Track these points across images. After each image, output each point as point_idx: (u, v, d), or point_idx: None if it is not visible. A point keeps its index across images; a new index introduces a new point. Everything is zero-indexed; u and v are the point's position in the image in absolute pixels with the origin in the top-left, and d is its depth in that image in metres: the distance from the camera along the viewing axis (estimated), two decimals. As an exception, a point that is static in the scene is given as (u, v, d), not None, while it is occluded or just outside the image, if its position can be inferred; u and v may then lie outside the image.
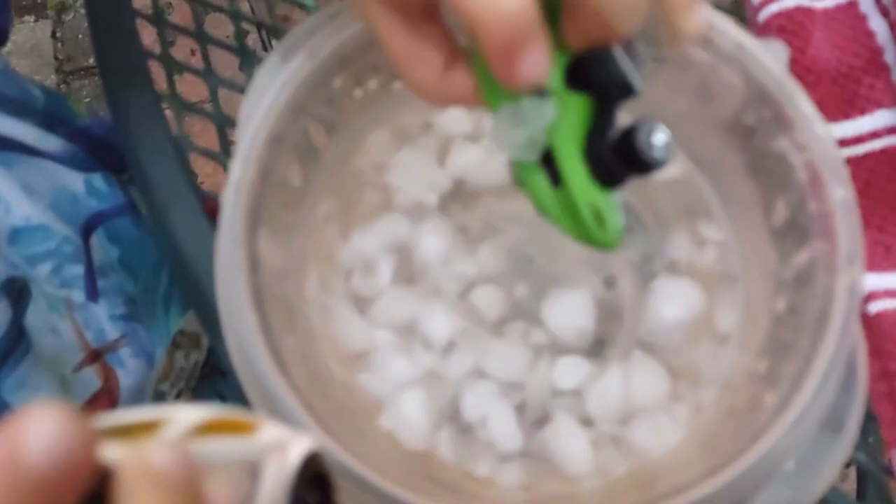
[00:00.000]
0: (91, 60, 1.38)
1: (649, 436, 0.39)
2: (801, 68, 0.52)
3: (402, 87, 0.43)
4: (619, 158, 0.30)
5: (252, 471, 0.21)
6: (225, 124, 0.54)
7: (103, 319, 0.64)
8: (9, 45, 0.68)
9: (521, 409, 0.40)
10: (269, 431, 0.21)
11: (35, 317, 0.61)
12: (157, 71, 0.54)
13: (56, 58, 1.43)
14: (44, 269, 0.61)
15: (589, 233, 0.32)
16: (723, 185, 0.44)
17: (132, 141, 0.51)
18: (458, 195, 0.44)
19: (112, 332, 0.64)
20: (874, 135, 0.52)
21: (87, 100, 1.43)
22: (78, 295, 0.63)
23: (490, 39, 0.27)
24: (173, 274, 0.69)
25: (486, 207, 0.44)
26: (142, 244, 0.68)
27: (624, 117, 0.31)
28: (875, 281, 0.48)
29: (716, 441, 0.37)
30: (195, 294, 0.48)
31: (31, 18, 1.40)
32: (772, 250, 0.40)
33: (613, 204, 0.32)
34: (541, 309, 0.42)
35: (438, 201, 0.44)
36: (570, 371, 0.40)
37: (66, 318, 0.62)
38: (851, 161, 0.51)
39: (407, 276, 0.43)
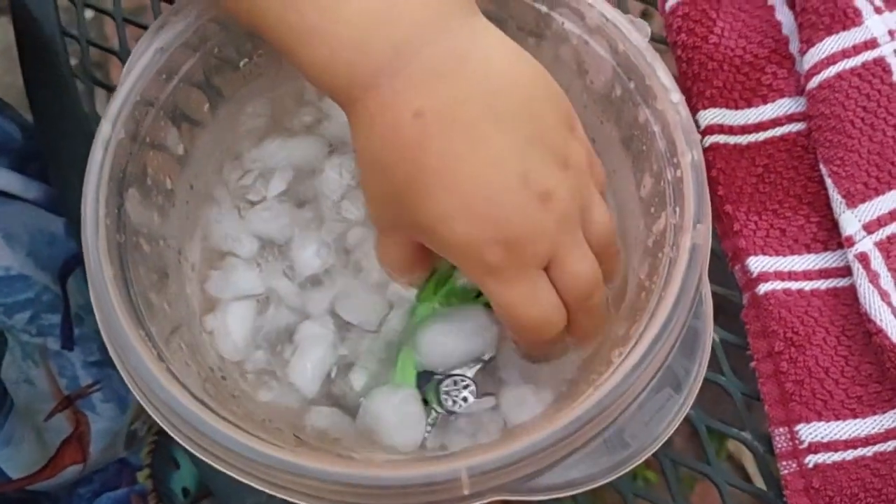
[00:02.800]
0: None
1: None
2: (703, 56, 0.53)
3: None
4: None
5: None
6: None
7: (77, 366, 0.64)
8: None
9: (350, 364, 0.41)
10: None
11: (10, 368, 0.61)
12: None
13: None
14: (21, 318, 0.61)
15: None
16: (606, 161, 0.45)
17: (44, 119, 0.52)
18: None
19: (85, 378, 0.65)
20: (775, 122, 0.52)
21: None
22: (53, 343, 0.63)
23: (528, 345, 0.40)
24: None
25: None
26: None
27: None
28: (767, 263, 0.49)
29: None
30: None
31: (5, 20, 1.43)
32: (641, 220, 0.41)
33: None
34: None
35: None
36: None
37: (40, 366, 0.63)
38: (752, 147, 0.52)
39: (299, 200, 0.44)
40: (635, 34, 0.39)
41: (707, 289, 0.37)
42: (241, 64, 0.44)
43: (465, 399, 0.39)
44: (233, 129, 0.45)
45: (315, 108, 0.46)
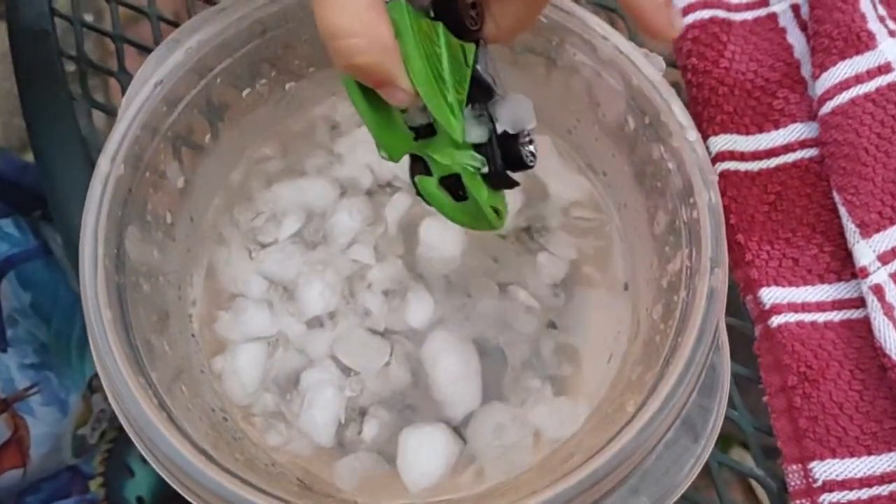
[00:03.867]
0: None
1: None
2: (713, 80, 0.52)
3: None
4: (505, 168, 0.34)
5: None
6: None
7: (13, 369, 0.63)
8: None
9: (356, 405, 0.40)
10: None
11: None
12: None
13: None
14: None
15: (490, 224, 0.35)
16: (617, 194, 0.44)
17: (42, 142, 0.51)
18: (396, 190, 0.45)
19: (22, 381, 0.63)
20: (787, 148, 0.51)
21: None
22: None
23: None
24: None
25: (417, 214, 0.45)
26: (54, 288, 0.67)
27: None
28: (780, 294, 0.48)
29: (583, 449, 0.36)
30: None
31: (5, 25, 1.41)
32: (655, 258, 0.40)
33: (503, 197, 0.35)
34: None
35: (374, 187, 0.45)
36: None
37: None
38: (764, 174, 0.51)
39: (311, 242, 0.44)
40: (650, 68, 0.38)
41: (724, 334, 0.36)
42: (244, 93, 0.43)
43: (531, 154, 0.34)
44: (235, 162, 0.44)
45: (326, 150, 0.46)
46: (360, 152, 0.46)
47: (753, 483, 0.73)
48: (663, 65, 0.38)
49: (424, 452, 0.38)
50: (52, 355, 0.65)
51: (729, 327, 0.47)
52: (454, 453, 0.38)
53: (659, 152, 0.38)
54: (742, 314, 0.48)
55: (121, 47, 0.55)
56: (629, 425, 0.32)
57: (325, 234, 0.43)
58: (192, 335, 0.41)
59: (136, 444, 0.34)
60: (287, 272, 0.43)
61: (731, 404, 0.47)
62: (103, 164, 0.37)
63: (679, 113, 0.37)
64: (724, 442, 0.46)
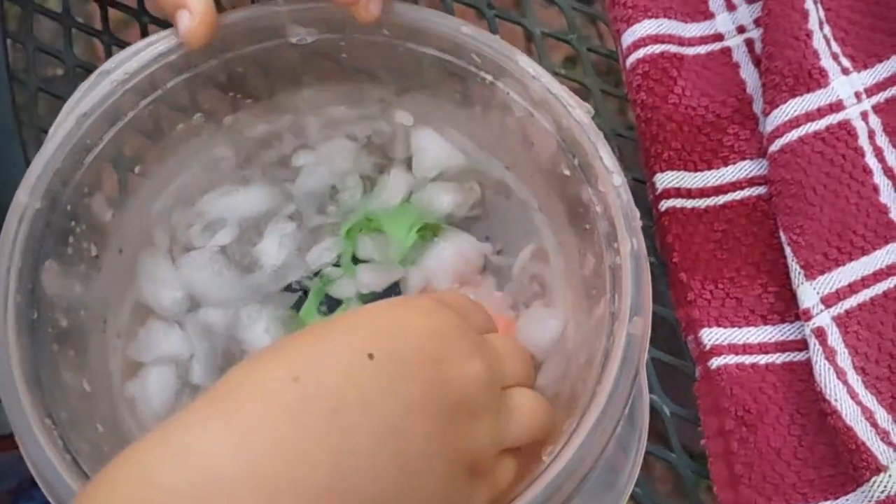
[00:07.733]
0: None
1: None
2: (662, 116, 0.51)
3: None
4: None
5: None
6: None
7: None
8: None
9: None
10: None
11: None
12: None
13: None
14: None
15: None
16: (554, 232, 0.44)
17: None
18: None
19: None
20: (735, 185, 0.51)
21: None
22: None
23: None
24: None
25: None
26: None
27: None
28: (721, 335, 0.47)
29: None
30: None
31: None
32: (584, 300, 0.40)
33: None
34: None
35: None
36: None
37: None
38: (710, 211, 0.50)
39: (240, 263, 0.43)
40: (578, 111, 0.37)
41: (644, 380, 0.35)
42: (177, 127, 0.42)
43: None
44: (166, 191, 0.43)
45: (284, 161, 0.45)
46: (319, 171, 0.45)
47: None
48: (592, 109, 0.37)
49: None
50: None
51: (669, 366, 0.47)
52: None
53: (588, 194, 0.37)
54: (683, 353, 0.48)
55: (108, 48, 0.55)
56: (541, 477, 0.32)
57: (252, 258, 0.43)
58: (111, 370, 0.40)
59: (40, 485, 0.33)
60: (205, 280, 0.42)
61: (669, 447, 0.46)
62: (21, 196, 0.36)
63: (606, 157, 0.37)
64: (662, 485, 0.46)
